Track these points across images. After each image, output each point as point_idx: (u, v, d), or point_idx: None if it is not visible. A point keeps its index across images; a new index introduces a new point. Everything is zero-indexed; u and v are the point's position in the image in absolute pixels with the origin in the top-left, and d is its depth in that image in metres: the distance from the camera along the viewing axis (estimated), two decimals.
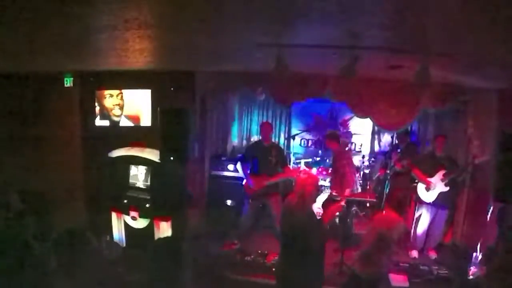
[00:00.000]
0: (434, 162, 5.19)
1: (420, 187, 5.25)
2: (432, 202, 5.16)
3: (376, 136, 7.69)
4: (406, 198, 6.05)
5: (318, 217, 3.39)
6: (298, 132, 7.79)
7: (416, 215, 5.40)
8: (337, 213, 4.87)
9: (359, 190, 6.48)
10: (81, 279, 2.31)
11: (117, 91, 5.54)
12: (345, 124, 7.75)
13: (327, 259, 3.59)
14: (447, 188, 5.08)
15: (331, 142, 5.72)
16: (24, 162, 5.31)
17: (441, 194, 5.09)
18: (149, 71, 5.18)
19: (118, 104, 5.55)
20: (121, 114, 5.56)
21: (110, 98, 5.56)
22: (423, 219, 5.26)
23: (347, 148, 7.08)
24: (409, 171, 5.47)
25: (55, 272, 2.45)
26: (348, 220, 5.45)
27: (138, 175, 5.06)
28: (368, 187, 6.91)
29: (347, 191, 5.18)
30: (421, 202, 5.28)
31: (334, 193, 5.11)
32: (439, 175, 5.09)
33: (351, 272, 3.72)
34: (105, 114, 5.64)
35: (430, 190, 5.14)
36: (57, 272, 2.42)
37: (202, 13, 2.25)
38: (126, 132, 5.47)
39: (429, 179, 5.13)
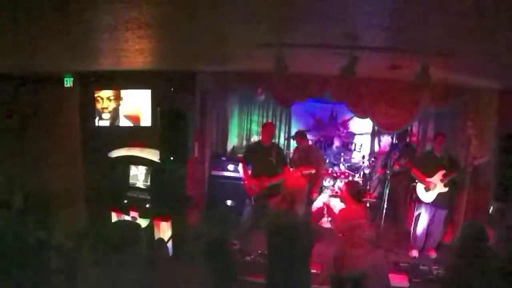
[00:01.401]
0: (433, 162, 5.18)
1: (419, 187, 5.24)
2: (431, 202, 5.15)
3: (376, 136, 7.70)
4: (406, 197, 6.09)
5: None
6: None
7: (415, 214, 5.40)
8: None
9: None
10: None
11: (107, 94, 5.49)
12: (345, 124, 7.76)
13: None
14: (446, 189, 5.07)
15: (301, 140, 6.04)
16: (24, 162, 5.30)
17: (440, 194, 5.08)
18: (149, 71, 5.18)
19: (107, 108, 5.51)
20: (111, 118, 5.52)
21: (100, 101, 5.53)
22: (422, 219, 5.25)
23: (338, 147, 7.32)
24: (408, 171, 5.48)
25: (56, 272, 2.44)
26: None
27: (138, 175, 5.05)
28: (368, 187, 6.91)
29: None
30: (420, 202, 5.27)
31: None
32: (438, 175, 5.08)
33: (331, 274, 3.61)
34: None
35: (429, 190, 5.13)
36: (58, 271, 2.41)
37: (202, 13, 2.25)
38: (126, 132, 5.47)
39: (428, 179, 5.12)
